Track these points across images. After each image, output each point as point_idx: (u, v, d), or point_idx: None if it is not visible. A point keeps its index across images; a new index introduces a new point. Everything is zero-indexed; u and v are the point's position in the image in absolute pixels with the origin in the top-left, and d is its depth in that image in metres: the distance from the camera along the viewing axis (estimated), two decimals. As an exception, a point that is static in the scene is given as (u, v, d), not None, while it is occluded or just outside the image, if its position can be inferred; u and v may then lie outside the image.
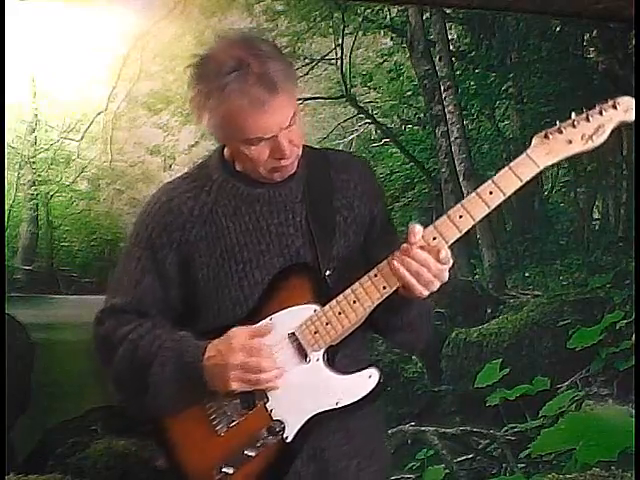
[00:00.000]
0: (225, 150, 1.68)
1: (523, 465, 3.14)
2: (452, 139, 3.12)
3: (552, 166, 1.55)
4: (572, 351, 3.19)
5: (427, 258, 1.50)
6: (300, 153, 1.62)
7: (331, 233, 1.62)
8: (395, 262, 1.51)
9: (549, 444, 3.15)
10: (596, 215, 3.28)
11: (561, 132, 1.52)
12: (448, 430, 3.09)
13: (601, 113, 1.52)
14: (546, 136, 1.53)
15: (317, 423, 1.56)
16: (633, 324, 3.17)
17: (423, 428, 3.07)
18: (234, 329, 1.54)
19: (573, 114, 1.53)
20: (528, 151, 1.52)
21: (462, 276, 3.11)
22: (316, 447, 1.60)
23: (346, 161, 1.74)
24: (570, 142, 1.52)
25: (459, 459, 3.10)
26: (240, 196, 1.64)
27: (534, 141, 1.53)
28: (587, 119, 1.52)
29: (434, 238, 1.52)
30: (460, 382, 3.11)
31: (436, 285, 1.52)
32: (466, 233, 1.55)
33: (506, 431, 3.13)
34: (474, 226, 1.55)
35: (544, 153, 1.52)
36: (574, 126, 1.52)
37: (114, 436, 2.79)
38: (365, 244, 1.67)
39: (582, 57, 3.25)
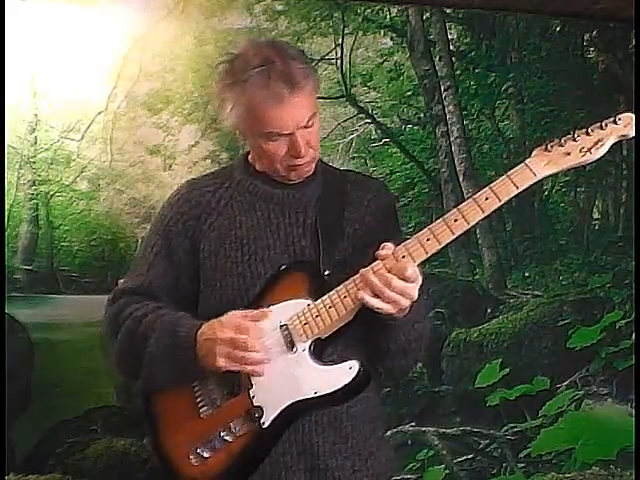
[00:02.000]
0: (250, 155, 1.75)
1: (523, 465, 3.15)
2: (452, 139, 3.12)
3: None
4: (572, 351, 3.19)
5: (390, 277, 1.50)
6: (317, 156, 1.68)
7: (338, 239, 1.65)
8: (357, 285, 1.53)
9: (549, 444, 3.15)
10: (596, 215, 3.28)
11: (562, 145, 1.55)
12: (448, 430, 3.09)
13: (602, 128, 1.55)
14: (546, 148, 1.55)
15: (296, 412, 1.58)
16: (633, 324, 3.18)
17: (423, 428, 3.07)
18: (230, 312, 1.58)
19: (576, 131, 1.56)
20: (527, 161, 1.55)
21: (462, 276, 3.11)
22: (306, 442, 1.62)
23: (363, 180, 1.81)
24: (568, 154, 1.54)
25: (459, 459, 3.10)
26: (257, 194, 1.70)
27: (534, 152, 1.56)
28: (587, 133, 1.55)
29: (427, 239, 1.54)
30: (460, 382, 3.11)
31: (403, 303, 1.52)
32: (465, 233, 1.56)
33: (506, 431, 3.13)
34: (469, 230, 1.56)
35: (542, 164, 1.54)
36: (574, 139, 1.55)
37: (114, 436, 2.79)
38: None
39: (582, 57, 3.25)
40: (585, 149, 1.54)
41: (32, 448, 2.74)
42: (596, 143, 1.54)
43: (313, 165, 1.69)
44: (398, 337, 1.61)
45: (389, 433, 2.97)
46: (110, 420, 2.77)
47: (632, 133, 1.55)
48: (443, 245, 1.55)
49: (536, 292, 3.19)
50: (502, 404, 3.12)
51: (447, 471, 3.08)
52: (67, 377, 2.77)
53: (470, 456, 3.11)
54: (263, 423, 1.57)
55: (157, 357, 1.61)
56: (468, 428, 3.11)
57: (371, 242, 1.65)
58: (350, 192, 1.73)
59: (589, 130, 1.55)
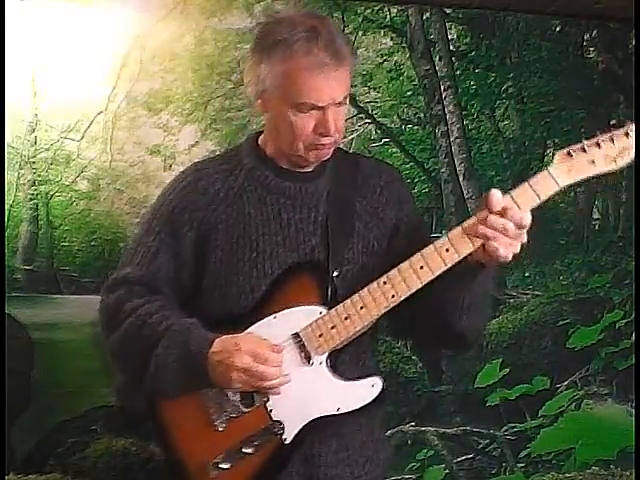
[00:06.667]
0: (260, 137, 1.68)
1: (523, 465, 3.15)
2: (452, 139, 3.12)
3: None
4: (572, 351, 3.19)
5: (505, 223, 1.47)
6: (339, 141, 1.61)
7: (348, 236, 1.61)
8: (479, 226, 1.48)
9: (549, 443, 3.15)
10: (596, 215, 3.28)
11: (585, 151, 1.50)
12: (448, 430, 3.09)
13: (627, 135, 1.50)
14: (569, 154, 1.50)
15: (315, 427, 1.55)
16: (633, 324, 3.18)
17: (423, 428, 3.07)
18: (244, 335, 1.53)
19: (598, 133, 1.51)
20: (550, 168, 1.50)
21: (462, 276, 3.11)
22: (308, 453, 1.59)
23: (375, 167, 1.73)
24: (593, 162, 1.50)
25: (459, 459, 3.10)
26: (267, 186, 1.63)
27: (556, 158, 1.51)
28: (612, 141, 1.49)
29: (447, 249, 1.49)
30: (460, 382, 3.11)
31: (517, 248, 1.49)
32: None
33: (506, 431, 3.13)
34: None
35: (565, 171, 1.50)
36: (599, 146, 1.49)
37: (114, 436, 2.79)
38: (388, 249, 1.65)
39: (582, 57, 3.25)
40: (611, 158, 1.49)
41: (32, 448, 2.74)
42: (621, 151, 1.49)
43: (332, 150, 1.61)
44: (476, 289, 1.54)
45: (389, 433, 2.98)
46: (110, 420, 2.77)
47: None
48: (462, 256, 1.50)
49: (536, 292, 3.19)
50: (502, 404, 3.12)
51: (447, 471, 3.08)
52: (67, 377, 2.77)
53: (470, 456, 3.12)
54: (285, 439, 1.54)
55: (165, 366, 1.54)
56: (468, 428, 3.11)
57: (386, 235, 1.64)
58: (361, 182, 1.67)
59: (614, 138, 1.49)
